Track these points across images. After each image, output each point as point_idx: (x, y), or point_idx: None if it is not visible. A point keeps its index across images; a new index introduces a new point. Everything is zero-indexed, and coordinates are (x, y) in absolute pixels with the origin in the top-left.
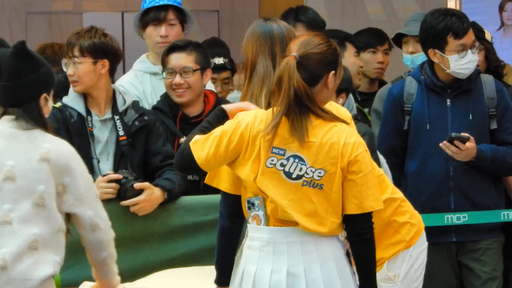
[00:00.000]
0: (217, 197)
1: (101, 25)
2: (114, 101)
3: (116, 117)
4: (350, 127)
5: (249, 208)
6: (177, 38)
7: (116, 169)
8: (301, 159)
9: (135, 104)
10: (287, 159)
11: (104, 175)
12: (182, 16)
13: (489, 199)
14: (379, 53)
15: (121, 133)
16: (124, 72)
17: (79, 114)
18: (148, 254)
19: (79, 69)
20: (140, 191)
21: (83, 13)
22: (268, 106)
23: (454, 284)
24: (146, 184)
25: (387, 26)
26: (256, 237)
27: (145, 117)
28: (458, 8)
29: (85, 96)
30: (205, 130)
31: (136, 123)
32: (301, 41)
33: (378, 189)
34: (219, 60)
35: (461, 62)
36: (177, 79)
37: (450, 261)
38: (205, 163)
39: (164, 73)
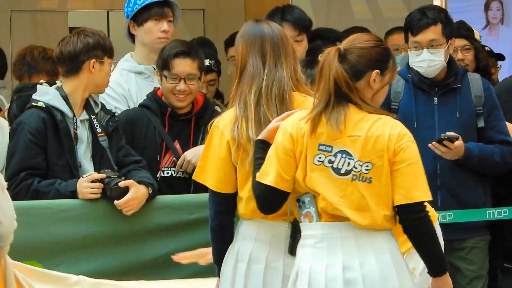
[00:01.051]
0: (203, 196)
1: (86, 24)
2: (87, 102)
3: (93, 117)
4: (395, 120)
5: (299, 206)
6: (171, 35)
7: (98, 169)
8: (348, 153)
9: (103, 106)
10: (335, 155)
11: (87, 176)
12: (172, 13)
13: (476, 197)
14: None
15: (99, 130)
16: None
17: (62, 113)
18: (134, 253)
19: None
20: (125, 190)
21: (68, 12)
22: (257, 103)
23: None
24: (131, 181)
25: (373, 25)
26: (309, 235)
27: (116, 118)
28: (444, 7)
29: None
30: (260, 165)
31: (111, 123)
32: (351, 37)
33: (425, 180)
34: (205, 62)
35: (415, 59)
36: (182, 86)
37: None
38: (280, 182)
39: (167, 78)
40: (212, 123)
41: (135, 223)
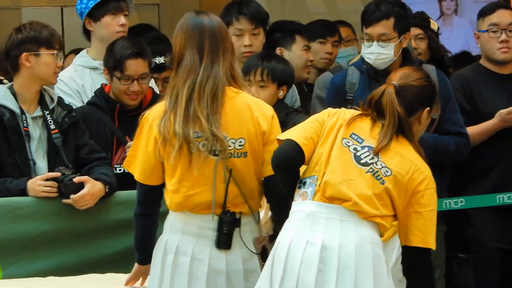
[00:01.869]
0: None
1: (40, 20)
2: (42, 98)
3: (46, 112)
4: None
5: (299, 187)
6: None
7: (52, 167)
8: (377, 154)
9: (60, 101)
10: (363, 147)
11: (42, 175)
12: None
13: None
14: (328, 44)
15: (52, 127)
16: (63, 67)
17: (11, 111)
18: (91, 250)
19: None
20: (80, 185)
21: (22, 8)
22: (188, 98)
23: None
24: (85, 177)
25: (327, 17)
26: (297, 211)
27: (73, 113)
28: None
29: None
30: None
31: (66, 119)
32: (402, 72)
33: (435, 229)
34: (159, 60)
35: (365, 51)
36: (136, 87)
37: None
38: (302, 141)
39: (120, 79)
40: (143, 115)
41: (91, 219)
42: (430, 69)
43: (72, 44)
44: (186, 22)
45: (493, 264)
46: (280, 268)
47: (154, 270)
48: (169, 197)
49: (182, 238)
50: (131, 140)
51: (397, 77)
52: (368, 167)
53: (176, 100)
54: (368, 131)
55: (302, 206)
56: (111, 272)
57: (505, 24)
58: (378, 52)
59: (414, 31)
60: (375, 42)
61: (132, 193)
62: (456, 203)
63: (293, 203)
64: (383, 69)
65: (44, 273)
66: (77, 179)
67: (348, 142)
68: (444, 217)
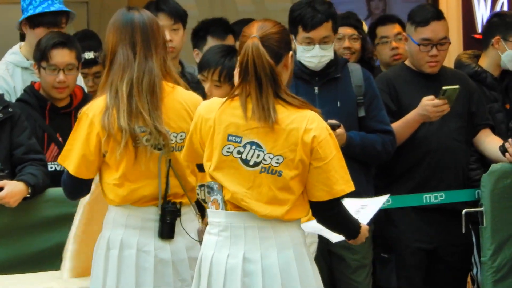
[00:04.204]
0: None
1: None
2: None
3: None
4: (314, 113)
5: (208, 192)
6: None
7: None
8: (258, 145)
9: None
10: (244, 146)
11: None
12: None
13: (358, 186)
14: None
15: None
16: None
17: None
18: (19, 247)
19: None
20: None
21: None
22: (129, 93)
23: (325, 273)
24: (1, 182)
25: (256, 16)
26: (215, 222)
27: (10, 109)
28: None
29: None
30: None
31: (0, 115)
32: (257, 25)
33: (346, 171)
34: (89, 55)
35: (306, 54)
36: (61, 76)
37: (320, 250)
38: (184, 158)
39: (45, 69)
40: (81, 111)
41: (20, 216)
42: (356, 67)
43: (4, 43)
44: (118, 19)
45: (415, 264)
46: (204, 282)
47: (96, 267)
48: (112, 191)
49: (126, 232)
50: (62, 137)
51: (255, 30)
52: (259, 167)
53: (117, 96)
54: (242, 119)
55: (217, 216)
56: (40, 268)
57: (437, 39)
58: (320, 55)
59: (348, 30)
60: (317, 46)
61: (61, 190)
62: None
63: (208, 211)
64: (309, 68)
65: None
66: None
67: (229, 148)
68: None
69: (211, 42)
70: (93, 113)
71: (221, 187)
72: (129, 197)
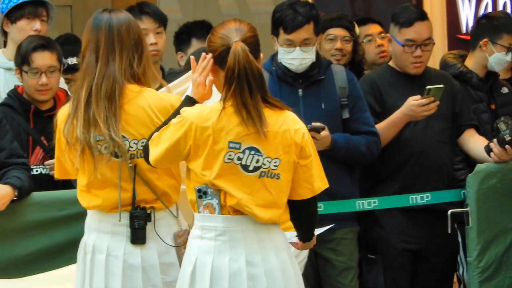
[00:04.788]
0: (72, 192)
1: None
2: None
3: None
4: (293, 113)
5: (200, 197)
6: (44, 34)
7: None
8: (257, 150)
9: None
10: (243, 152)
11: None
12: (47, 13)
13: (343, 188)
14: None
15: None
16: None
17: None
18: (5, 251)
19: None
20: None
21: None
22: (87, 101)
23: (311, 275)
24: None
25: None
26: (210, 226)
27: None
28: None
29: None
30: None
31: None
32: (233, 27)
33: (322, 168)
34: (72, 60)
35: (286, 56)
36: (44, 79)
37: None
38: (157, 162)
39: (27, 73)
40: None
41: (3, 220)
42: (340, 69)
43: None
44: (89, 22)
45: (401, 265)
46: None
47: (78, 270)
48: (82, 197)
49: (98, 237)
50: (47, 140)
51: (234, 34)
52: (259, 172)
53: (77, 104)
54: (239, 125)
55: (213, 221)
56: (24, 273)
57: (421, 40)
58: (301, 58)
59: (341, 32)
60: (297, 48)
61: (46, 194)
62: (369, 203)
63: (200, 216)
64: (291, 71)
65: None
66: None
67: (230, 155)
68: (356, 217)
69: (195, 45)
70: (60, 120)
71: (218, 191)
72: (96, 204)
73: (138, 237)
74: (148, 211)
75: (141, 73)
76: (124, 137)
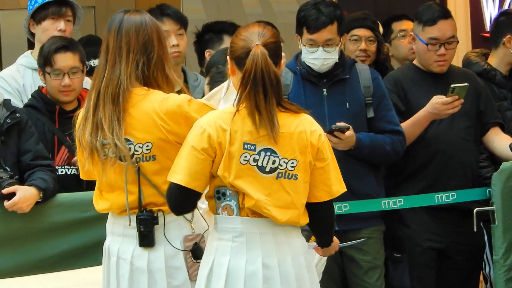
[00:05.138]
0: None
1: None
2: None
3: None
4: (309, 116)
5: (218, 198)
6: (70, 35)
7: None
8: (273, 151)
9: (6, 103)
10: (258, 153)
11: None
12: (73, 13)
13: (368, 187)
14: None
15: None
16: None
17: None
18: (29, 252)
19: None
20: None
21: None
22: (96, 105)
23: (336, 275)
24: (14, 187)
25: (263, 18)
26: (228, 228)
27: (17, 115)
28: None
29: None
30: None
31: (8, 120)
32: (256, 31)
33: (339, 172)
34: (94, 62)
35: (309, 56)
36: (67, 80)
37: None
38: (191, 182)
39: (50, 74)
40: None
41: (29, 222)
42: (364, 68)
43: (9, 48)
44: (108, 23)
45: (427, 263)
46: (221, 285)
47: (102, 273)
48: (96, 200)
49: (112, 239)
50: (71, 140)
51: (256, 37)
52: (276, 173)
53: (89, 107)
54: (253, 127)
55: (231, 222)
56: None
57: (445, 38)
58: (324, 58)
59: (365, 32)
60: (320, 48)
61: (70, 196)
62: (395, 203)
63: (218, 217)
64: (316, 71)
65: None
66: (5, 190)
67: (245, 156)
68: (382, 216)
69: (227, 42)
70: (77, 122)
71: (236, 193)
72: (105, 207)
73: (146, 239)
74: (156, 214)
75: (150, 76)
76: (129, 140)
